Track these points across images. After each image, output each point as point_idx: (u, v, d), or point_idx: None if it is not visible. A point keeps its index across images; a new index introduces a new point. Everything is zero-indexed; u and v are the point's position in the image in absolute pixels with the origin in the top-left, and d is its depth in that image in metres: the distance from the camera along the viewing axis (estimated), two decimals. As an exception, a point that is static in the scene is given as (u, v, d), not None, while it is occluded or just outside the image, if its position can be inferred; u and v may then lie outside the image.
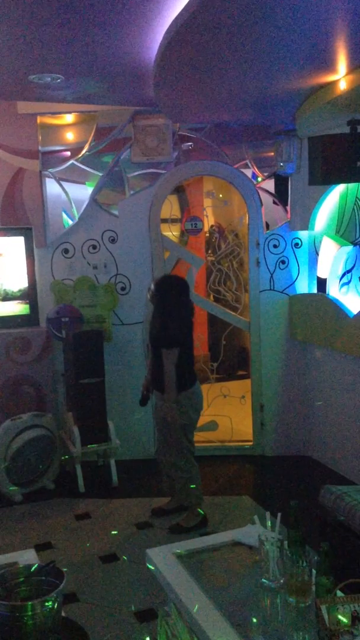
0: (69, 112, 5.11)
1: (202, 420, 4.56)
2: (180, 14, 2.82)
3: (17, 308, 5.25)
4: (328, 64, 3.38)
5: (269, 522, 2.48)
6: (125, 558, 3.78)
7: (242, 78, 3.63)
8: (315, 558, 2.18)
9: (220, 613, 2.13)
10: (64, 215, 5.50)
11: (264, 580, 2.28)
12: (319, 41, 3.03)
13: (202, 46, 3.11)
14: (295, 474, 5.11)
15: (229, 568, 2.48)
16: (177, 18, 2.89)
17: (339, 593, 2.03)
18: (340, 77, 3.56)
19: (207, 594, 2.24)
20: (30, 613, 1.86)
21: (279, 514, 2.37)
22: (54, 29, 3.11)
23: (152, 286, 4.10)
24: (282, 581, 2.25)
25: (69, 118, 5.22)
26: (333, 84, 3.65)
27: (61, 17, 2.91)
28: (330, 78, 3.60)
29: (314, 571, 2.15)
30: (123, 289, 5.29)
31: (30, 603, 1.87)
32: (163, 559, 2.51)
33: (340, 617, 1.87)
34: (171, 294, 4.03)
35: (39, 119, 5.07)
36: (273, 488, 4.87)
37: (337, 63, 3.35)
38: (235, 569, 2.47)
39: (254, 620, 2.12)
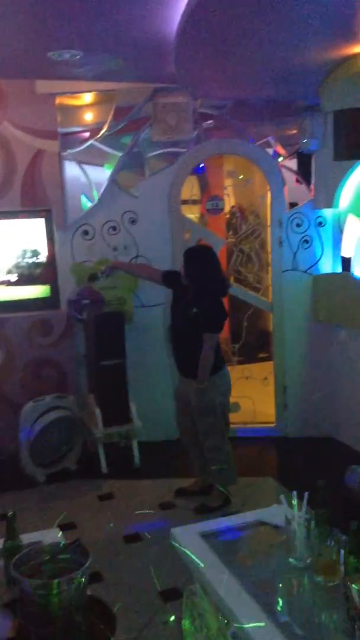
0: (88, 91, 5.04)
1: (225, 401, 4.51)
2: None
3: (37, 290, 5.24)
4: (354, 35, 3.27)
5: (295, 502, 2.44)
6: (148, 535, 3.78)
7: (264, 50, 3.54)
8: (344, 537, 2.14)
9: (247, 592, 2.10)
10: (83, 198, 5.45)
11: (291, 559, 2.25)
12: (345, 10, 2.94)
13: (223, 18, 3.03)
14: (318, 455, 5.06)
15: (255, 548, 2.46)
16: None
17: (369, 573, 1.99)
18: (366, 47, 3.45)
19: (234, 573, 2.22)
20: (56, 591, 1.85)
21: (306, 493, 2.33)
22: (73, 4, 3.05)
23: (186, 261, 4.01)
24: (309, 561, 2.21)
25: (88, 98, 5.16)
26: (359, 55, 3.54)
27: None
28: (357, 49, 3.49)
29: (341, 551, 2.12)
30: (144, 269, 5.24)
31: (56, 580, 1.86)
32: (188, 539, 2.49)
33: (370, 596, 1.83)
34: (210, 266, 3.96)
35: (57, 100, 5.01)
36: (296, 469, 4.83)
37: (364, 33, 3.25)
38: (262, 549, 2.45)
39: (281, 599, 2.10)
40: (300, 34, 3.26)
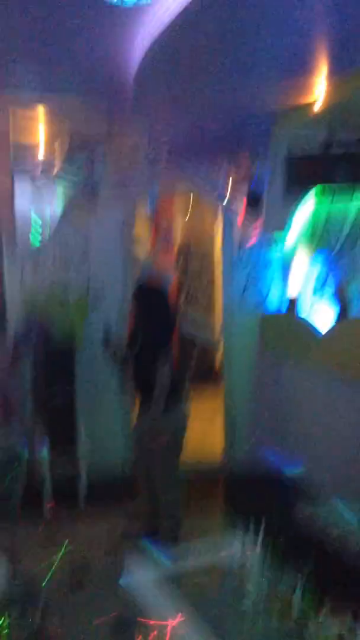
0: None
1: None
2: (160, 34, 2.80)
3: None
4: (305, 84, 3.42)
5: (248, 542, 2.42)
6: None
7: (217, 96, 3.65)
8: (298, 576, 2.13)
9: (202, 637, 2.05)
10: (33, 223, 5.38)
11: (245, 600, 2.21)
12: (297, 63, 3.07)
13: (179, 60, 3.11)
14: (267, 492, 5.04)
15: (210, 591, 2.41)
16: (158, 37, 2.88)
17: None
18: (318, 95, 3.60)
19: (187, 617, 2.16)
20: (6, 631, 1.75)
21: (261, 534, 2.31)
22: (31, 42, 3.07)
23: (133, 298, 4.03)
24: (263, 601, 2.18)
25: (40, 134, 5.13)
26: (311, 102, 3.69)
27: (37, 27, 2.87)
28: (308, 97, 3.65)
29: (297, 591, 2.10)
30: (94, 303, 5.20)
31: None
32: (139, 585, 2.43)
33: (327, 638, 1.82)
34: (154, 304, 3.96)
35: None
36: (245, 507, 4.79)
37: (314, 83, 3.39)
38: (215, 592, 2.40)
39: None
40: (255, 79, 3.38)
